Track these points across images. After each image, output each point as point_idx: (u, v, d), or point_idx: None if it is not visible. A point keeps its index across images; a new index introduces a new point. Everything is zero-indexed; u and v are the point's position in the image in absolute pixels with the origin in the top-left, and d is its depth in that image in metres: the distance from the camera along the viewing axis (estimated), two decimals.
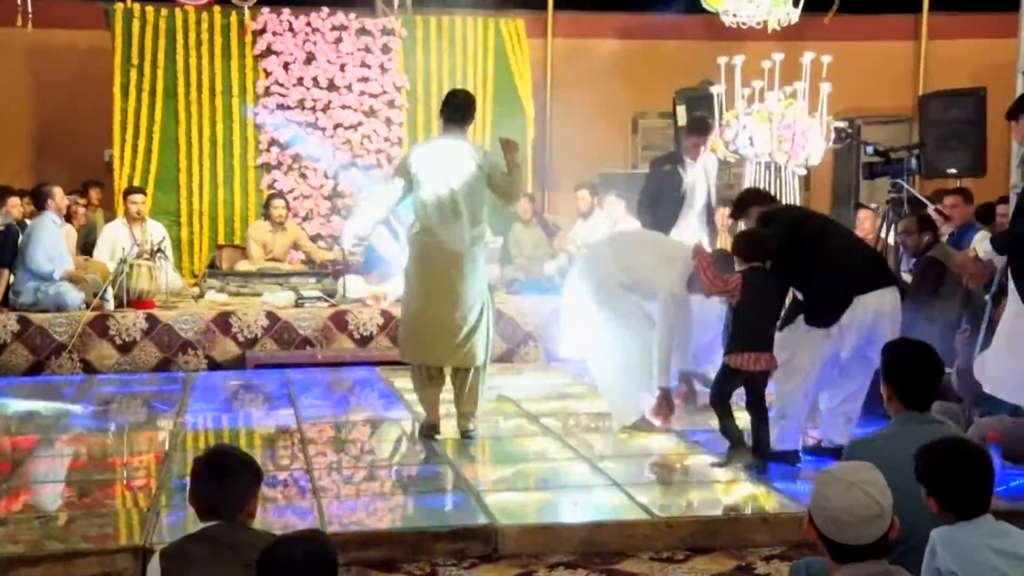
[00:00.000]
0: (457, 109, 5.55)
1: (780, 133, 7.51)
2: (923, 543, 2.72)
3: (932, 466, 2.71)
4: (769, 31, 8.91)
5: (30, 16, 8.54)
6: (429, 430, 5.58)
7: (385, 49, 10.20)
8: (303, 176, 10.05)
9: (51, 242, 7.79)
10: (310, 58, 10.07)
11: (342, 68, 10.09)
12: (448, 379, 5.62)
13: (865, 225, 8.25)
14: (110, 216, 9.45)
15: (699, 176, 6.94)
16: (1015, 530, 2.71)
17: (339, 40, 10.12)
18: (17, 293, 7.69)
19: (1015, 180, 6.03)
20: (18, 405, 6.57)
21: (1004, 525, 2.70)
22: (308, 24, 10.08)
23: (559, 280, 8.94)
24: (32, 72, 10.81)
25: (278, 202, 9.34)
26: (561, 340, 6.41)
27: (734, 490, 4.75)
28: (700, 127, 7.00)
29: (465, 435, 5.56)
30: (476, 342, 5.47)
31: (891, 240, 6.64)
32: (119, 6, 9.88)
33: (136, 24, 9.80)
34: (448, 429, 5.62)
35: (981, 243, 5.38)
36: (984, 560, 2.60)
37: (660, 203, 6.88)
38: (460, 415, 5.59)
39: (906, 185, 6.68)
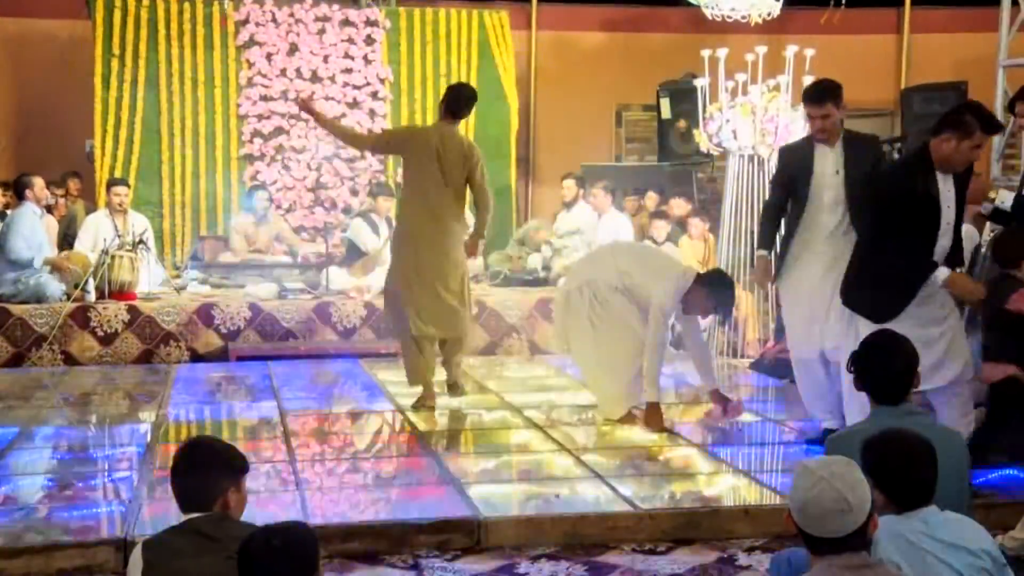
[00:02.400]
0: (467, 103, 6.20)
1: (763, 126, 7.53)
2: None
3: (876, 458, 2.73)
4: (752, 24, 8.93)
5: None
6: (429, 400, 6.02)
7: (368, 40, 10.17)
8: (286, 167, 10.01)
9: (31, 232, 7.74)
10: (293, 49, 10.03)
11: (325, 59, 10.06)
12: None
13: None
14: (91, 207, 9.39)
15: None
16: (956, 518, 2.73)
17: (322, 31, 10.08)
18: None
19: (996, 173, 6.07)
20: None
21: (947, 514, 2.72)
22: (291, 15, 10.03)
23: (542, 273, 8.98)
24: (12, 62, 10.72)
25: (261, 194, 9.31)
26: (551, 334, 6.43)
27: (716, 482, 4.77)
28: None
29: (458, 389, 6.26)
30: (466, 311, 6.15)
31: None
32: None
33: (118, 14, 9.73)
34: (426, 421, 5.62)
35: (1002, 199, 5.34)
36: (926, 550, 2.63)
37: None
38: (454, 378, 6.30)
39: None
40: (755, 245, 5.18)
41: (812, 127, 5.06)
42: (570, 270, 6.39)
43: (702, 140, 7.95)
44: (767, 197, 5.23)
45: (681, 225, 8.90)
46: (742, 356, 7.82)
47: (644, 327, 5.52)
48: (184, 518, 2.78)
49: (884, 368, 3.31)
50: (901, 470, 2.71)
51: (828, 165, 5.00)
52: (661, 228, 8.68)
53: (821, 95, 5.01)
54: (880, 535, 2.63)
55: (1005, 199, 5.17)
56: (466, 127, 10.43)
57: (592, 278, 5.70)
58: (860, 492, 2.46)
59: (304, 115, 9.90)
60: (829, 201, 5.01)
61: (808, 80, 7.53)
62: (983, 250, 5.84)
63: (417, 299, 5.95)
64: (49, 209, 8.63)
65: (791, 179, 5.10)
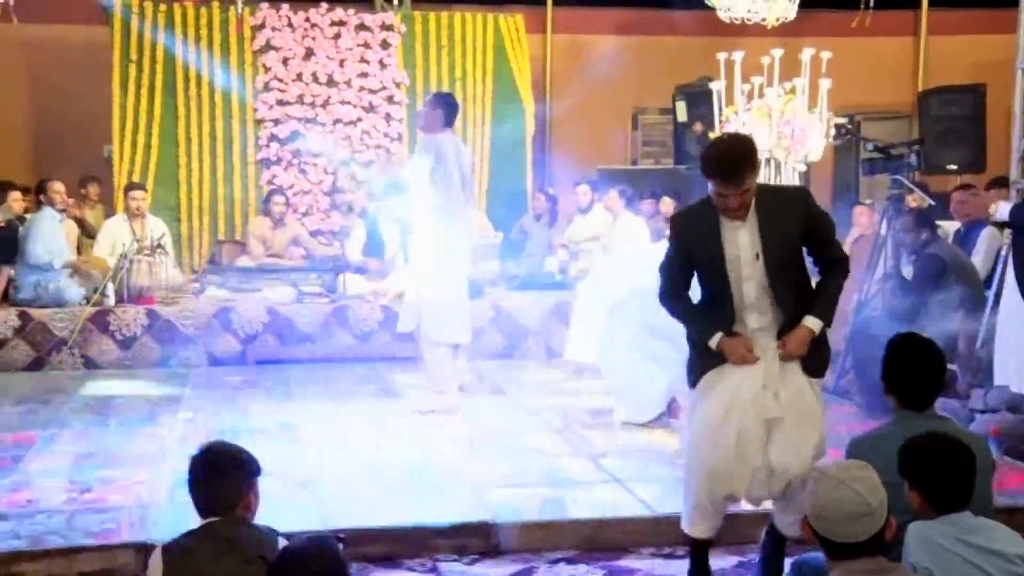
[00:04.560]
0: (457, 110, 6.31)
1: (780, 129, 7.51)
2: None
3: (917, 460, 2.73)
4: (769, 27, 8.90)
5: (13, 11, 8.50)
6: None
7: (384, 45, 10.20)
8: (303, 172, 10.04)
9: (50, 235, 7.79)
10: (309, 53, 10.06)
11: (341, 64, 10.09)
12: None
13: (862, 221, 8.26)
14: (109, 212, 9.44)
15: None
16: (990, 524, 2.72)
17: (338, 36, 10.11)
18: (17, 288, 7.69)
19: (1015, 176, 6.03)
20: (20, 400, 6.58)
21: (980, 520, 2.71)
22: (307, 20, 10.06)
23: (559, 276, 8.98)
24: (31, 68, 10.79)
25: (278, 198, 9.34)
26: (569, 341, 6.40)
27: None
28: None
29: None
30: None
31: (890, 236, 6.64)
32: (118, 1, 9.86)
33: (135, 19, 9.78)
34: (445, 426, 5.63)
35: (999, 212, 5.45)
36: (958, 555, 2.61)
37: None
38: None
39: (906, 181, 6.68)
40: (697, 340, 3.73)
41: (721, 203, 3.56)
42: (599, 279, 6.33)
43: None
44: (662, 285, 3.75)
45: None
46: None
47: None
48: (202, 522, 2.80)
49: (914, 372, 3.26)
50: (943, 472, 2.71)
51: (744, 247, 3.59)
52: None
53: (738, 171, 3.51)
54: (911, 540, 2.63)
55: (1001, 211, 5.32)
56: (482, 131, 10.48)
57: (639, 285, 5.69)
58: (879, 495, 2.45)
59: (320, 119, 9.97)
60: (753, 296, 3.62)
61: (825, 83, 7.53)
62: (1003, 252, 5.82)
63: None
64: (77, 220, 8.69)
65: (694, 264, 3.71)
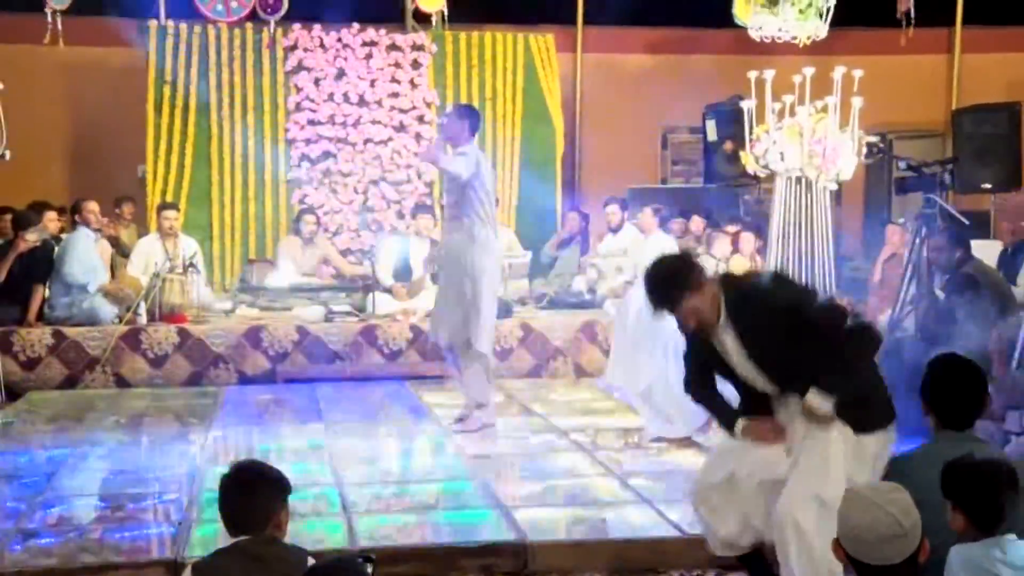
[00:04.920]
0: (480, 122, 6.41)
1: (811, 148, 7.46)
2: None
3: (961, 479, 2.71)
4: (800, 46, 8.87)
5: (60, 34, 8.66)
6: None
7: (415, 65, 10.26)
8: (333, 191, 10.11)
9: (86, 255, 7.88)
10: (341, 74, 10.14)
11: (372, 84, 10.16)
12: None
13: (894, 240, 8.20)
14: (143, 231, 9.54)
15: None
16: None
17: (369, 56, 10.19)
18: (52, 307, 7.78)
19: None
20: (53, 418, 6.65)
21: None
22: (339, 40, 10.15)
23: (588, 295, 8.96)
24: (68, 89, 10.94)
25: (308, 217, 9.39)
26: (609, 367, 6.35)
27: None
28: None
29: None
30: None
31: (923, 256, 6.57)
32: (153, 23, 10.00)
33: (170, 41, 9.91)
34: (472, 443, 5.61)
35: None
36: None
37: None
38: None
39: (939, 200, 6.62)
40: (725, 426, 3.68)
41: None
42: (629, 297, 6.29)
43: (749, 162, 7.89)
44: (685, 375, 3.74)
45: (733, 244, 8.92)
46: None
47: None
48: (232, 540, 2.80)
49: (955, 392, 3.23)
50: (988, 492, 2.68)
51: (732, 350, 3.52)
52: (723, 242, 8.65)
53: (665, 300, 3.48)
54: (954, 564, 2.60)
55: None
56: (512, 149, 10.51)
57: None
58: (914, 517, 2.43)
59: (351, 139, 10.03)
60: (767, 384, 3.56)
61: (857, 102, 7.49)
62: None
63: None
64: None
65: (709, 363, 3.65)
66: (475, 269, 5.96)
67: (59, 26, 8.67)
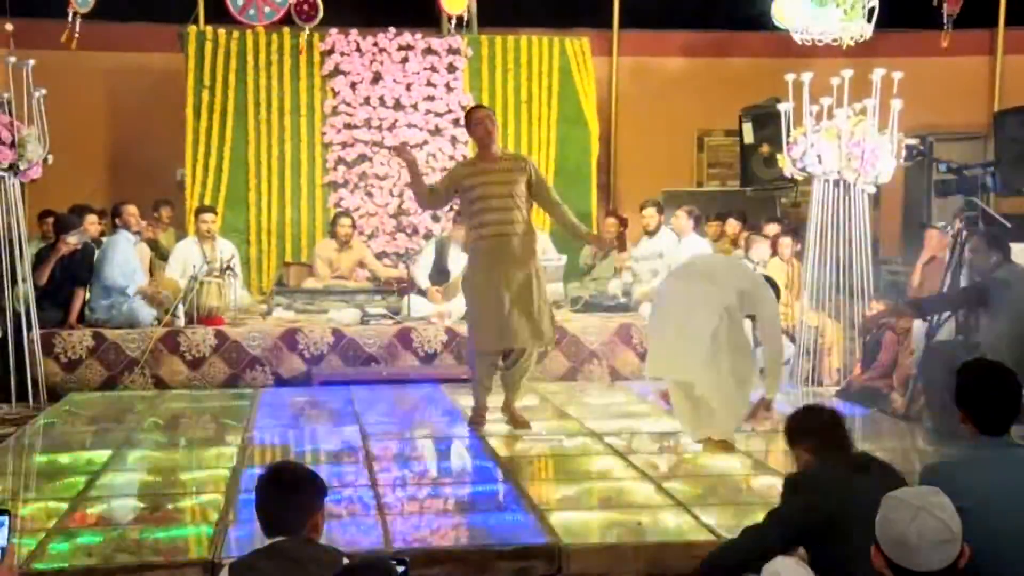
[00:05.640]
0: None
1: (849, 150, 7.40)
2: (994, 571, 2.65)
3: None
4: (844, 48, 8.78)
5: (77, 36, 8.77)
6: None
7: (451, 68, 10.29)
8: (369, 194, 10.15)
9: (125, 258, 7.97)
10: (377, 77, 10.19)
11: (408, 87, 10.20)
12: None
13: (933, 243, 8.09)
14: (181, 234, 9.64)
15: None
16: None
17: (405, 60, 10.23)
18: (92, 309, 7.87)
19: None
20: (92, 419, 6.73)
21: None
22: (375, 44, 10.20)
23: (623, 298, 8.93)
24: (108, 95, 11.10)
25: (344, 220, 9.44)
26: (649, 361, 6.30)
27: None
28: None
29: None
30: None
31: (964, 259, 6.49)
32: (192, 29, 10.12)
33: (209, 46, 10.02)
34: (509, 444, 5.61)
35: None
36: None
37: None
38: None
39: (980, 203, 6.53)
40: None
41: None
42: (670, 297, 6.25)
43: (786, 165, 7.84)
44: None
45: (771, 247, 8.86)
46: (822, 384, 7.68)
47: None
48: (269, 541, 2.82)
49: (991, 397, 3.21)
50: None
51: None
52: (761, 246, 8.59)
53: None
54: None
55: None
56: (547, 152, 10.51)
57: (729, 303, 5.67)
58: (958, 521, 2.40)
59: (387, 142, 10.07)
60: None
61: (897, 104, 7.41)
62: None
63: None
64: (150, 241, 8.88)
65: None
66: (532, 267, 6.13)
67: (77, 28, 8.77)
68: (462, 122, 10.15)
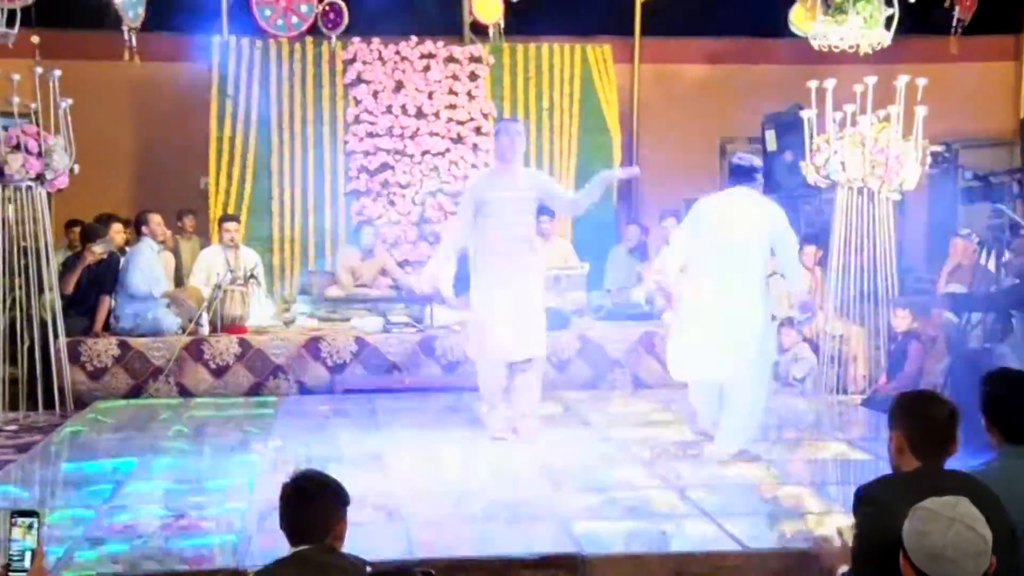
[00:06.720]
0: None
1: (873, 158, 7.35)
2: None
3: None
4: (861, 55, 8.75)
5: (135, 51, 8.84)
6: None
7: (472, 76, 10.30)
8: (392, 203, 10.18)
9: (148, 266, 8.01)
10: (399, 86, 10.22)
11: (430, 96, 10.22)
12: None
13: (958, 251, 8.04)
14: (204, 243, 9.69)
15: None
16: None
17: (427, 68, 10.25)
18: (118, 318, 7.93)
19: None
20: (118, 427, 6.77)
21: None
22: (397, 53, 10.23)
23: (646, 307, 8.91)
24: (134, 104, 11.17)
25: (367, 229, 9.47)
26: (675, 362, 6.28)
27: (827, 522, 4.63)
28: None
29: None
30: None
31: (991, 267, 6.44)
32: (216, 39, 10.17)
33: (232, 56, 10.07)
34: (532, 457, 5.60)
35: None
36: None
37: None
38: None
39: (1007, 211, 6.48)
40: None
41: None
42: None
43: (809, 172, 7.81)
44: None
45: None
46: (847, 392, 7.63)
47: None
48: (292, 550, 2.83)
49: (1017, 407, 3.19)
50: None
51: None
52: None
53: None
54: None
55: None
56: (568, 161, 10.50)
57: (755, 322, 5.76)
58: (989, 531, 2.37)
59: (409, 150, 10.10)
60: None
61: (921, 111, 7.35)
62: None
63: None
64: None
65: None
66: (540, 278, 6.41)
67: (133, 43, 8.85)
68: (484, 130, 10.27)
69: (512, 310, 6.10)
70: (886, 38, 8.27)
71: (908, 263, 9.70)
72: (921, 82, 7.32)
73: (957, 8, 10.22)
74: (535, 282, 6.28)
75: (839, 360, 7.63)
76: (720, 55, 11.79)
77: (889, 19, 8.14)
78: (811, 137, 7.67)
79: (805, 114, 7.70)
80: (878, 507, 2.90)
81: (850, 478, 5.41)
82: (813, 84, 7.56)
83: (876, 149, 7.34)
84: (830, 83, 7.45)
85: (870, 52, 8.50)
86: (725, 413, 5.83)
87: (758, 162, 6.02)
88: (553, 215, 8.88)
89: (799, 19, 9.28)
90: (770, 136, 10.39)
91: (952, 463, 3.13)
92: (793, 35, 9.66)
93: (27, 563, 2.69)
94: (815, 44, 8.85)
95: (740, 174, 5.89)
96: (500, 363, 6.29)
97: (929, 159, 7.58)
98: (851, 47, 8.79)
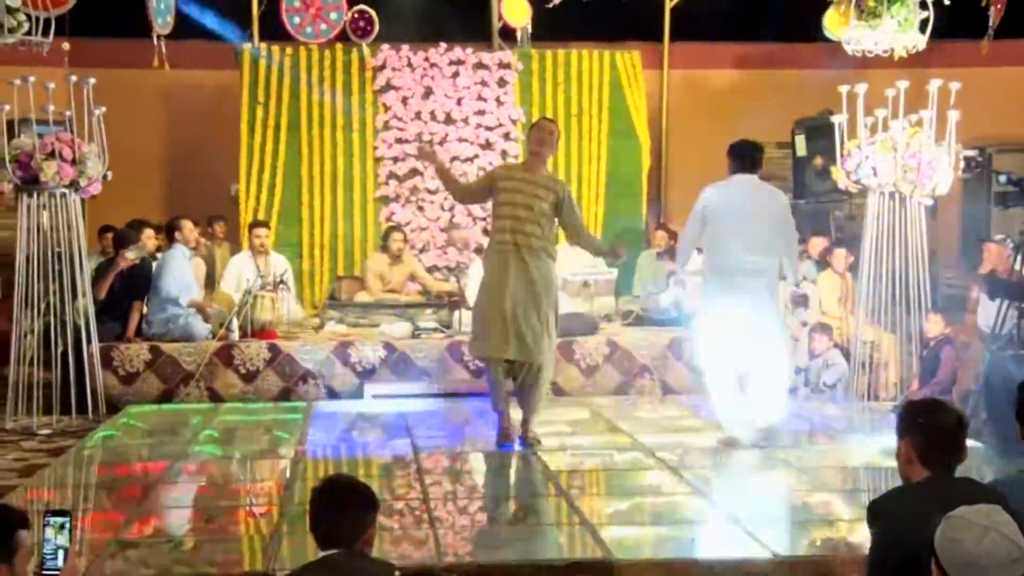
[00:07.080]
0: None
1: (905, 162, 7.29)
2: None
3: None
4: (896, 59, 8.68)
5: (165, 57, 8.92)
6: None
7: (501, 83, 10.32)
8: (420, 208, 10.21)
9: (180, 272, 8.07)
10: (428, 92, 10.25)
11: (459, 102, 10.24)
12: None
13: (991, 257, 7.94)
14: (235, 249, 9.75)
15: None
16: None
17: (456, 74, 10.28)
18: (149, 324, 7.99)
19: None
20: (149, 432, 6.82)
21: None
22: (426, 59, 10.26)
23: (675, 312, 8.87)
24: (165, 111, 11.28)
25: (396, 235, 9.50)
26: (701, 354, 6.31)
27: (857, 529, 4.59)
28: None
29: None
30: None
31: None
32: (247, 46, 10.25)
33: (263, 62, 10.14)
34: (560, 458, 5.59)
35: None
36: None
37: None
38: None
39: None
40: None
41: None
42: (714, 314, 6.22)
43: (840, 177, 7.75)
44: None
45: (819, 263, 8.75)
46: (878, 399, 7.57)
47: None
48: (322, 554, 2.83)
49: None
50: None
51: None
52: (804, 264, 8.51)
53: None
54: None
55: None
56: (598, 167, 10.49)
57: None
58: (1023, 538, 2.33)
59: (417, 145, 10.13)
60: None
61: (954, 115, 7.28)
62: None
63: None
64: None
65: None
66: (551, 285, 6.24)
67: (163, 49, 8.92)
68: (512, 136, 10.29)
69: (507, 307, 5.92)
70: (921, 41, 8.19)
71: (941, 268, 9.61)
72: (954, 86, 7.24)
73: (992, 10, 10.10)
74: (542, 286, 6.01)
75: (870, 366, 7.57)
76: (749, 60, 11.73)
77: (923, 22, 8.05)
78: (842, 142, 7.61)
79: (836, 119, 7.65)
80: (891, 520, 2.89)
81: (881, 485, 5.36)
82: (844, 89, 7.50)
83: (908, 154, 7.28)
84: (861, 87, 7.39)
85: (904, 56, 8.42)
86: (754, 392, 5.99)
87: (758, 152, 6.69)
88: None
89: (832, 24, 9.20)
90: (800, 141, 10.33)
91: (990, 471, 3.10)
92: (822, 40, 9.59)
93: (60, 562, 2.71)
94: (849, 49, 8.78)
95: (740, 162, 6.57)
96: (499, 363, 6.08)
97: (962, 164, 7.49)
98: (885, 51, 8.71)
